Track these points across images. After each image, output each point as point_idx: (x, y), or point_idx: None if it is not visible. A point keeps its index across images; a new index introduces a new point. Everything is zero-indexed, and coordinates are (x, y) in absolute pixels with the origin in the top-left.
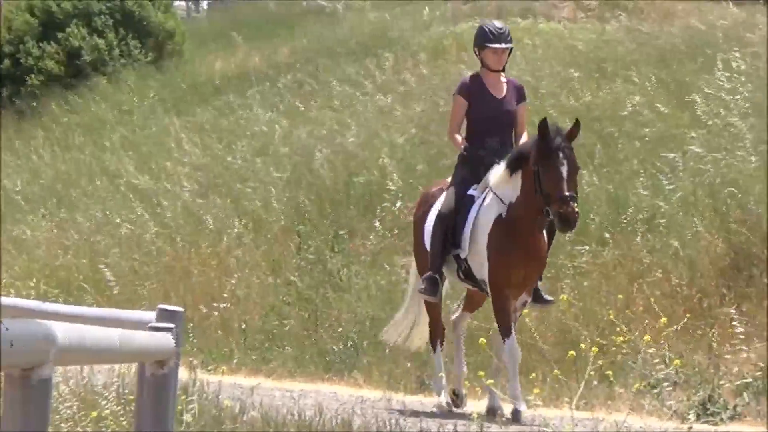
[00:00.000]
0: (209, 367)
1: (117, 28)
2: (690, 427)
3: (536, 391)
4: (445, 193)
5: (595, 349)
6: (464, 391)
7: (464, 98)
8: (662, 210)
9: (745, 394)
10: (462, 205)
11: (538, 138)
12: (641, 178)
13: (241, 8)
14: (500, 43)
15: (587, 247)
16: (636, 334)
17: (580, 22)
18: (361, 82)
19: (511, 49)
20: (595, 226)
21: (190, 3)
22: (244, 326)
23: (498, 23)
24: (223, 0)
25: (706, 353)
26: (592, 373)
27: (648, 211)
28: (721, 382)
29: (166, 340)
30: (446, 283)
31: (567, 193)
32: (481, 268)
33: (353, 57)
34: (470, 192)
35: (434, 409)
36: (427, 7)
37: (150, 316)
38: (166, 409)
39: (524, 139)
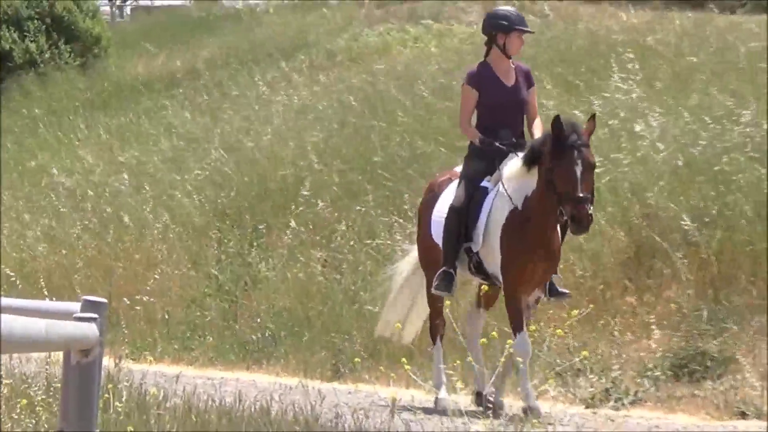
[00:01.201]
0: (135, 357)
1: (48, 32)
2: (594, 412)
3: (454, 377)
4: (454, 185)
5: (510, 342)
6: (492, 391)
7: (474, 88)
8: None
9: (645, 381)
10: (475, 197)
11: (551, 135)
12: None
13: (162, 13)
14: (524, 26)
15: None
16: (542, 324)
17: None
18: (279, 83)
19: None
20: None
21: (114, 8)
22: (167, 317)
23: (511, 9)
24: (145, 6)
25: (609, 342)
26: (503, 359)
27: None
28: (623, 369)
29: (91, 329)
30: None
31: (581, 195)
32: (494, 262)
33: (271, 59)
34: (483, 184)
35: (437, 405)
36: (337, 12)
37: (75, 306)
38: (91, 395)
39: (537, 124)
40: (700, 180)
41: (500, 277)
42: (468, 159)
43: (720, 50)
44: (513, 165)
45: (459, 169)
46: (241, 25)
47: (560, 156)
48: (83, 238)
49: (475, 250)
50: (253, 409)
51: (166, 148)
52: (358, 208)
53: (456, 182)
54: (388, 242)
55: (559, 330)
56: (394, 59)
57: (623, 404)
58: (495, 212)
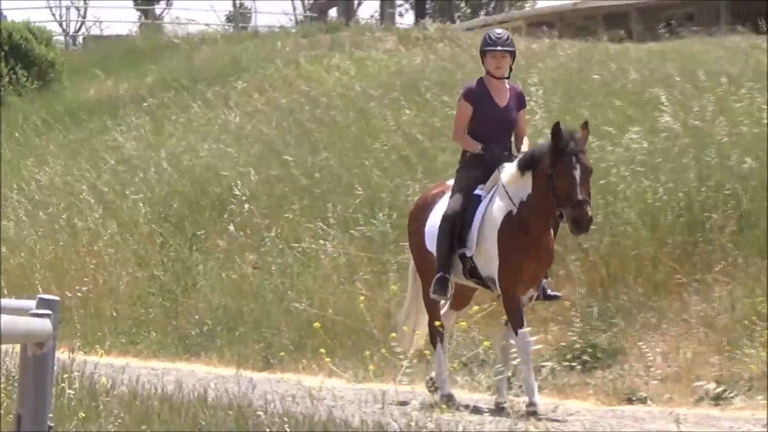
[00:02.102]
0: (86, 349)
1: (6, 59)
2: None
3: (372, 367)
4: (447, 195)
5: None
6: (448, 383)
7: (469, 103)
8: None
9: (542, 370)
10: (469, 204)
11: (551, 142)
12: None
13: (111, 42)
14: (497, 47)
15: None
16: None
17: (401, 53)
18: (216, 104)
19: (514, 55)
20: None
21: (68, 37)
22: (115, 314)
23: (498, 30)
24: (96, 36)
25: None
26: (413, 351)
27: None
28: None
29: (45, 324)
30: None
31: (580, 197)
32: (488, 266)
33: (208, 84)
34: (476, 192)
35: (443, 405)
36: (267, 42)
37: (31, 304)
38: (45, 383)
39: (525, 143)
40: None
41: (495, 280)
42: (462, 169)
43: (610, 74)
44: (508, 170)
45: (451, 182)
46: (181, 53)
47: (560, 161)
48: (41, 243)
49: (468, 255)
50: (191, 396)
51: (114, 163)
52: (286, 216)
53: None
54: (313, 246)
55: (464, 323)
56: (318, 83)
57: (522, 390)
58: (490, 217)
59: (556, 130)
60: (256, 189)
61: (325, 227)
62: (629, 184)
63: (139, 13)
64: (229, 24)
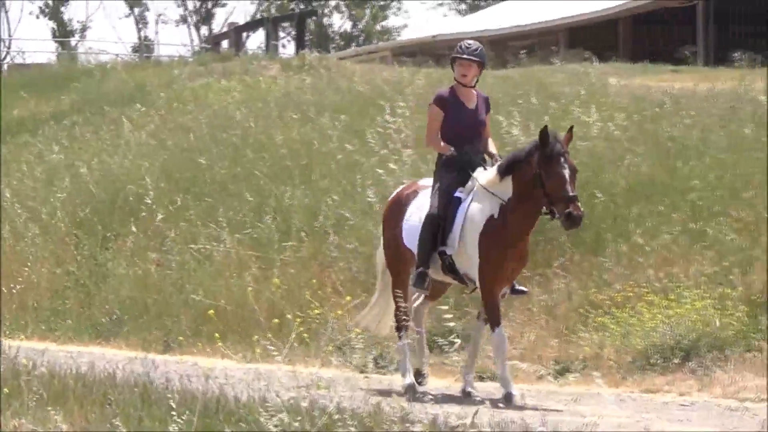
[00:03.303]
0: (10, 336)
1: None
2: (366, 376)
3: (258, 350)
4: (422, 194)
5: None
6: (426, 371)
7: (440, 108)
8: (347, 217)
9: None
10: (450, 206)
11: (539, 144)
12: (332, 194)
13: (33, 69)
14: (463, 55)
15: (291, 243)
16: (326, 308)
17: (283, 78)
18: (124, 122)
19: (482, 65)
20: (296, 229)
21: None
22: (35, 305)
23: (470, 41)
24: (19, 63)
25: None
26: (294, 336)
27: (335, 219)
28: (388, 343)
29: None
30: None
31: (572, 193)
32: (466, 264)
33: (118, 105)
34: (457, 194)
35: (400, 389)
36: (168, 69)
37: None
38: None
39: (490, 142)
40: None
41: (474, 277)
42: (439, 171)
43: None
44: (486, 175)
45: (423, 182)
46: (94, 78)
47: (549, 162)
48: None
49: (449, 253)
50: (102, 376)
51: (36, 174)
52: (184, 218)
53: (426, 192)
54: (207, 246)
55: (339, 311)
56: (212, 105)
57: (389, 370)
58: (471, 219)
59: (544, 133)
60: (158, 196)
61: (218, 229)
62: None
63: (57, 44)
64: (135, 53)
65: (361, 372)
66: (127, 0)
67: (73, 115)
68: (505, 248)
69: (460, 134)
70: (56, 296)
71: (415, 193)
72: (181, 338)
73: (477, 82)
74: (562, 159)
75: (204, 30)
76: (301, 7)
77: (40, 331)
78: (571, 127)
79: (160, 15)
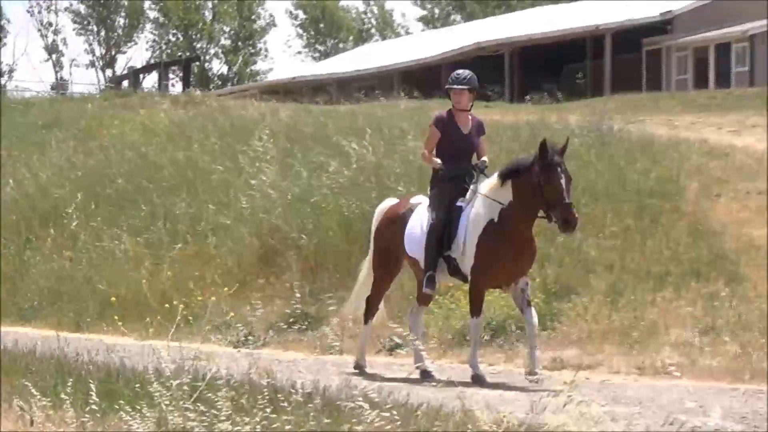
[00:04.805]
0: None
1: None
2: (239, 351)
3: (151, 330)
4: (420, 208)
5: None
6: (429, 366)
7: (438, 129)
8: (224, 223)
9: (270, 331)
10: (452, 215)
11: (539, 155)
12: (211, 205)
13: None
14: (454, 85)
15: (179, 245)
16: (206, 296)
17: (173, 111)
18: (48, 144)
19: (475, 92)
20: (182, 232)
21: None
22: None
23: (461, 71)
24: None
25: (249, 307)
26: (180, 318)
27: (214, 224)
28: (258, 323)
29: None
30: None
31: (568, 201)
32: (468, 264)
33: (40, 133)
34: (458, 203)
35: (355, 369)
36: (82, 104)
37: None
38: None
39: (485, 159)
40: (303, 207)
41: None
42: (436, 184)
43: (316, 126)
44: (487, 182)
45: (414, 199)
46: (18, 112)
47: (548, 171)
48: None
49: (453, 257)
50: (24, 350)
51: None
52: (93, 223)
53: (423, 206)
54: (110, 245)
55: (214, 298)
56: (116, 133)
57: (257, 345)
58: (471, 224)
59: (543, 145)
60: (72, 206)
61: (119, 232)
62: (331, 201)
63: None
64: (53, 90)
65: (234, 347)
66: (46, 48)
67: (2, 142)
68: (504, 250)
69: (452, 154)
70: None
71: (410, 211)
72: (89, 320)
73: (472, 106)
74: (559, 169)
75: (108, 72)
76: (187, 54)
77: None
78: (567, 139)
79: (73, 60)
